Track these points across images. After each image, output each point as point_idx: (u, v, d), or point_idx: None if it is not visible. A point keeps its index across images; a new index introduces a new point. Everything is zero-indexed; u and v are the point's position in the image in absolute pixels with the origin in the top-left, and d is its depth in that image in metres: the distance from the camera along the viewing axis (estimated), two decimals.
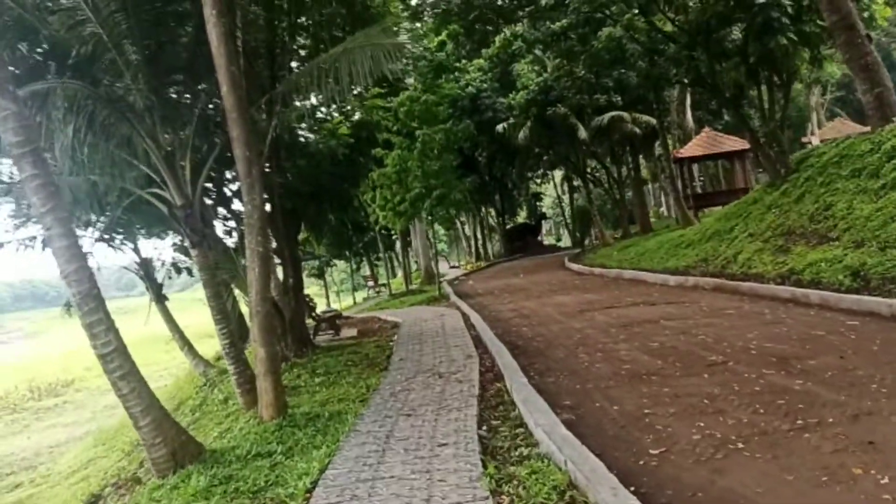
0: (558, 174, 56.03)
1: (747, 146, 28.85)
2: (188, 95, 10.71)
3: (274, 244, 13.95)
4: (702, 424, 5.76)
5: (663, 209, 53.09)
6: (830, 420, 5.45)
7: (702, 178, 40.36)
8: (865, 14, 15.52)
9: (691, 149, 28.26)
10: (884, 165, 13.15)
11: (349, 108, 14.02)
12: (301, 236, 21.99)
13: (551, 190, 66.24)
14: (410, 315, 17.80)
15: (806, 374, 6.78)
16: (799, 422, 5.51)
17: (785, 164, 17.80)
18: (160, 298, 17.60)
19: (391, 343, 13.37)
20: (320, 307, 29.76)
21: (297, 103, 14.34)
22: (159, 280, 17.58)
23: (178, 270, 16.34)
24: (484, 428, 6.55)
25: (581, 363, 8.87)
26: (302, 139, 13.31)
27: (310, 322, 16.13)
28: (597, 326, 11.77)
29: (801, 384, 6.43)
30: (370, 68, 8.97)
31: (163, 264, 16.98)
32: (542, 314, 14.56)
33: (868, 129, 30.74)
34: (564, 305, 15.51)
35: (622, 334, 10.63)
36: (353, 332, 16.20)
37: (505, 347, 10.05)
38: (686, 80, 19.16)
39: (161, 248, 27.35)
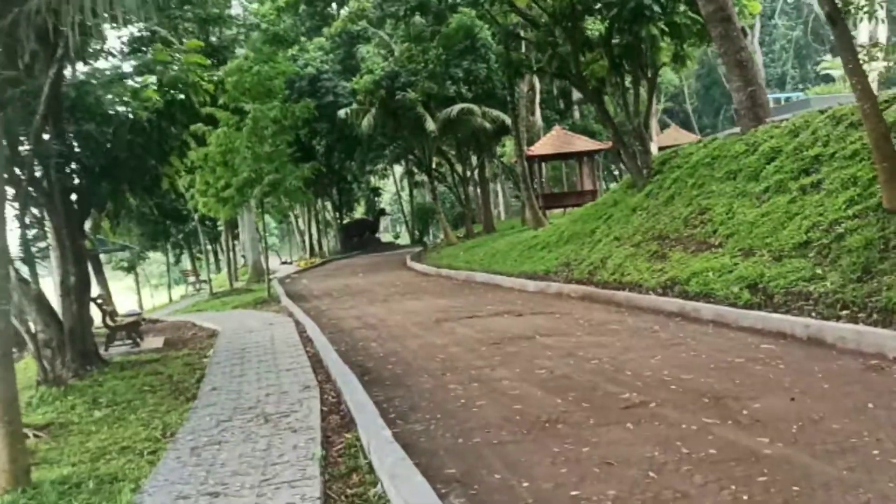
0: (399, 169, 54.27)
1: (599, 146, 28.39)
2: None
3: (49, 232, 10.83)
4: None
5: (498, 210, 52.66)
6: None
7: (543, 180, 39.97)
8: (736, 8, 14.66)
9: (542, 147, 27.22)
10: (763, 168, 12.19)
11: (156, 65, 11.10)
12: (103, 224, 18.49)
13: (391, 185, 64.41)
14: (233, 321, 15.04)
15: (763, 425, 5.08)
16: None
17: (648, 165, 16.81)
18: None
19: (205, 360, 10.68)
20: (128, 306, 25.93)
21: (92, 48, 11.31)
22: None
23: None
24: None
25: (456, 399, 6.79)
26: (93, 99, 10.27)
27: (101, 330, 13.00)
28: (462, 343, 9.79)
29: (768, 444, 4.70)
30: None
31: None
32: (393, 324, 12.41)
33: (695, 137, 31.35)
34: (417, 313, 13.45)
35: (496, 355, 8.70)
36: (158, 342, 13.23)
37: (353, 375, 7.77)
38: (548, 69, 17.72)
39: None
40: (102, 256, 30.24)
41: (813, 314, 7.97)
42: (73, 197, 10.70)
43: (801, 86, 52.62)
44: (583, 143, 27.62)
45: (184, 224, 33.11)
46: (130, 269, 33.09)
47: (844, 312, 7.65)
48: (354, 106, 30.30)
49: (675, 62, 17.62)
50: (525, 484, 4.49)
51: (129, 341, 12.82)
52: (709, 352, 7.63)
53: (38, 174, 10.48)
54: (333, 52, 34.32)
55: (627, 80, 17.48)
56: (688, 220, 12.91)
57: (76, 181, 10.67)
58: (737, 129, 15.81)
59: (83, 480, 5.68)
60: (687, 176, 14.59)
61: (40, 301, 10.34)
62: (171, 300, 34.36)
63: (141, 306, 34.88)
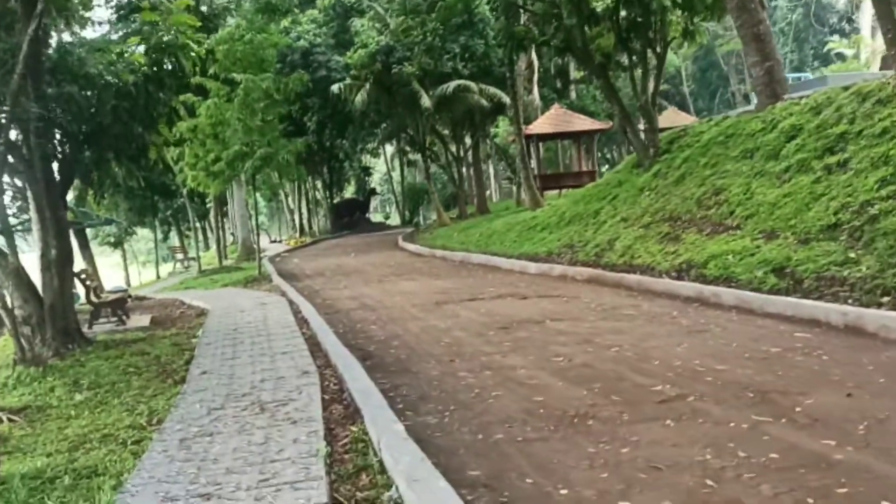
0: (389, 149, 53.49)
1: (599, 126, 27.75)
2: None
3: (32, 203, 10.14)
4: None
5: (490, 191, 52.00)
6: None
7: (540, 160, 39.27)
8: None
9: (540, 125, 26.52)
10: (783, 146, 11.64)
11: (144, 25, 10.36)
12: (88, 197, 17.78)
13: (381, 165, 63.54)
14: (223, 300, 14.41)
15: (823, 425, 4.54)
16: None
17: (655, 144, 16.24)
18: None
19: (194, 340, 10.07)
20: (115, 283, 25.24)
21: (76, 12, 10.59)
22: None
23: None
24: None
25: (469, 389, 6.22)
26: (75, 60, 9.54)
27: (85, 307, 12.35)
28: (467, 327, 9.21)
29: (836, 448, 4.15)
30: None
31: None
32: (391, 306, 11.83)
33: (693, 120, 30.76)
34: (415, 294, 12.87)
35: (505, 340, 8.14)
36: (145, 320, 12.58)
37: (355, 359, 7.18)
38: (553, 43, 17.03)
39: None
40: (88, 232, 29.48)
41: (850, 301, 7.44)
42: (55, 165, 10.01)
43: (800, 69, 52.03)
44: (582, 123, 26.93)
45: (172, 200, 32.29)
46: (117, 244, 32.33)
47: (886, 299, 7.12)
48: (348, 81, 29.50)
49: (684, 37, 16.98)
50: (563, 491, 3.93)
51: (115, 319, 12.17)
52: (739, 340, 7.09)
53: (16, 140, 9.81)
54: (327, 25, 33.42)
55: (634, 56, 16.84)
56: (701, 201, 12.35)
57: (58, 148, 9.96)
58: (750, 107, 15.23)
59: (58, 475, 5.10)
60: (699, 155, 14.03)
61: (18, 275, 9.70)
62: (158, 277, 33.62)
63: (128, 283, 34.16)
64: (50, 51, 10.12)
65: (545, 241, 16.60)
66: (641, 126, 17.22)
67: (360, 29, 30.08)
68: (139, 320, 12.55)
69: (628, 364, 6.56)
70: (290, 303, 12.55)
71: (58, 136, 9.64)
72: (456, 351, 7.81)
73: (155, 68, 9.96)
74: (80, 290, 13.14)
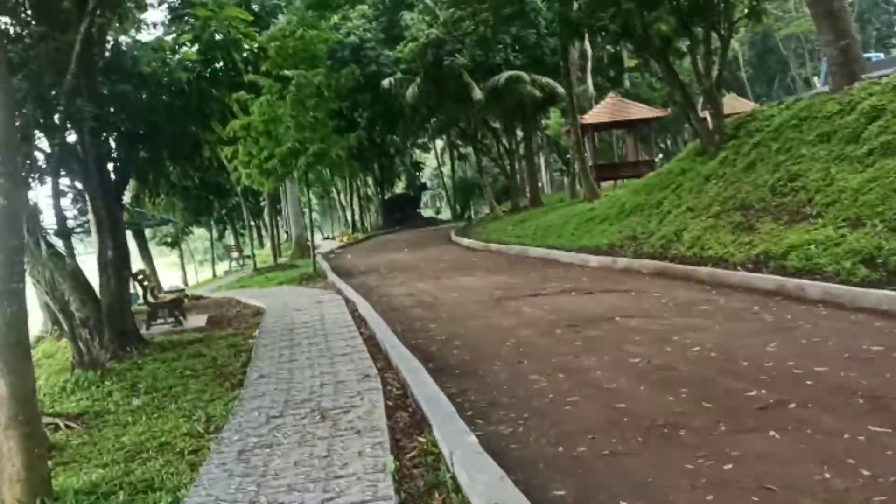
0: (440, 143, 53.16)
1: (657, 114, 26.90)
2: None
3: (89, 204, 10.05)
4: None
5: (541, 184, 51.17)
6: None
7: (595, 150, 38.42)
8: None
9: (596, 115, 25.80)
10: (864, 128, 10.89)
11: (197, 21, 10.15)
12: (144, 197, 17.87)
13: (431, 160, 63.28)
14: (278, 298, 14.23)
15: None
16: None
17: (720, 130, 15.51)
18: None
19: (250, 341, 9.85)
20: (172, 282, 25.44)
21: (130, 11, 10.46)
22: None
23: None
24: None
25: (542, 394, 5.80)
26: (129, 58, 9.39)
27: (143, 308, 12.28)
28: (533, 325, 8.78)
29: None
30: None
31: None
32: (450, 302, 11.46)
33: (752, 105, 29.62)
34: (474, 290, 12.47)
35: (576, 339, 7.69)
36: (201, 320, 12.47)
37: (419, 363, 6.82)
38: (611, 28, 16.41)
39: None
40: (147, 232, 29.87)
41: None
42: (110, 165, 9.89)
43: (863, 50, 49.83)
44: (639, 111, 26.10)
45: (227, 199, 32.48)
46: (174, 244, 32.65)
47: None
48: (399, 75, 29.20)
49: (749, 18, 16.17)
50: None
51: (171, 320, 12.07)
52: (834, 337, 6.50)
53: (71, 140, 9.72)
54: (376, 19, 33.18)
55: (695, 40, 16.10)
56: (775, 188, 11.66)
57: (112, 148, 9.84)
58: (822, 89, 14.40)
59: (114, 489, 4.85)
60: (770, 140, 13.30)
61: (76, 277, 9.62)
62: (214, 276, 33.94)
63: (185, 282, 34.56)
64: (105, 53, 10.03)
65: (606, 233, 16.03)
66: (702, 112, 16.51)
67: (409, 22, 29.74)
68: (196, 320, 12.44)
69: (714, 366, 6.06)
70: (347, 301, 12.28)
71: (113, 137, 9.49)
72: (524, 352, 7.39)
73: (208, 66, 9.75)
74: (138, 290, 13.12)
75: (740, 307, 8.44)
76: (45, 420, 6.43)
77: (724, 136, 15.34)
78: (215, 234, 39.71)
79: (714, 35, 15.91)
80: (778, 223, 10.74)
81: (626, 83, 37.01)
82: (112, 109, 9.13)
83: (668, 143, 53.84)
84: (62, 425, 6.94)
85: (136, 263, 34.33)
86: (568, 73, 23.13)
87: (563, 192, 32.68)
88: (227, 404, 6.72)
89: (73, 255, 9.63)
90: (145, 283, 12.04)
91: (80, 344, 8.58)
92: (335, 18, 29.87)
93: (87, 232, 12.66)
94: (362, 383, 6.42)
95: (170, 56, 9.69)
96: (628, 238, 14.75)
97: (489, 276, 14.57)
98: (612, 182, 28.42)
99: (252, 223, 38.24)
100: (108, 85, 9.27)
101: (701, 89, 15.66)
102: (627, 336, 7.57)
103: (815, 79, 46.17)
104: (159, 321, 12.20)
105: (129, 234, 30.87)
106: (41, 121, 9.06)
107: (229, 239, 42.82)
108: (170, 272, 36.34)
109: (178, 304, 12.69)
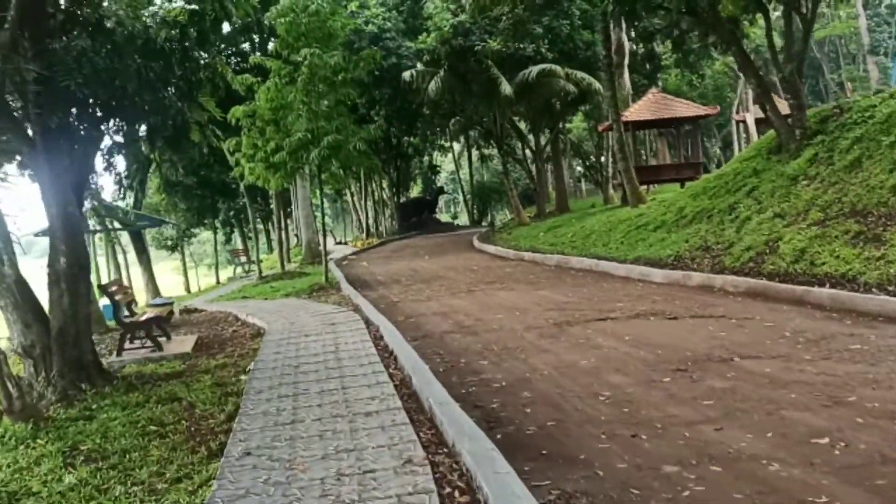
0: (458, 147, 50.96)
1: (705, 111, 24.53)
2: None
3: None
4: None
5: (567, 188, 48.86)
6: None
7: (638, 150, 36.01)
8: None
9: (637, 111, 23.43)
10: None
11: None
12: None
13: (448, 164, 61.05)
14: (284, 316, 11.96)
15: None
16: None
17: (803, 124, 13.20)
18: None
19: (242, 378, 7.56)
20: (172, 289, 23.17)
21: None
22: None
23: None
24: None
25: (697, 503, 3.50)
26: (90, 5, 7.18)
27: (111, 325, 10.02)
28: (622, 365, 6.47)
29: None
30: None
31: None
32: (496, 327, 9.13)
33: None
34: (522, 311, 10.16)
35: (696, 393, 5.39)
36: (188, 343, 10.19)
37: (491, 444, 4.46)
38: (672, 6, 14.12)
39: None
40: (147, 236, 27.83)
41: None
42: (64, 146, 7.63)
43: None
44: (685, 108, 23.74)
45: (233, 199, 30.33)
46: (174, 248, 30.48)
47: None
48: (420, 68, 26.97)
49: None
50: None
51: (150, 344, 9.76)
52: None
53: (14, 110, 7.53)
54: (396, 8, 30.95)
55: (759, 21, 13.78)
56: None
57: (68, 122, 7.61)
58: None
59: None
60: (878, 133, 11.02)
61: (19, 291, 7.39)
62: (218, 282, 31.74)
63: (187, 289, 32.42)
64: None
65: (665, 243, 13.72)
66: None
67: (433, 11, 27.53)
68: (181, 343, 10.18)
69: None
70: (367, 322, 9.98)
71: (65, 104, 7.24)
72: (629, 414, 5.09)
73: (193, 17, 7.50)
74: (130, 304, 10.90)
75: None
76: None
77: (808, 132, 13.05)
78: (221, 238, 37.53)
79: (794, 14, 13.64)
80: None
81: (665, 80, 34.70)
82: (62, 72, 6.87)
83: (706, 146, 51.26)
84: None
85: (133, 268, 32.26)
86: (610, 63, 20.77)
87: (584, 199, 30.41)
88: (195, 493, 4.47)
89: (14, 264, 7.41)
90: (118, 296, 9.77)
91: (10, 385, 6.31)
92: (352, 6, 27.66)
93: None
94: (402, 476, 4.10)
95: (146, 5, 7.44)
96: (698, 248, 12.45)
97: (533, 291, 12.27)
98: (645, 186, 26.09)
99: (259, 226, 36.05)
100: (59, 38, 7.04)
101: (779, 76, 13.26)
102: (770, 390, 5.28)
103: (848, 83, 43.70)
104: (136, 343, 9.94)
105: (126, 235, 28.85)
106: None
107: (237, 242, 40.67)
108: (172, 277, 34.27)
109: (161, 322, 10.44)
